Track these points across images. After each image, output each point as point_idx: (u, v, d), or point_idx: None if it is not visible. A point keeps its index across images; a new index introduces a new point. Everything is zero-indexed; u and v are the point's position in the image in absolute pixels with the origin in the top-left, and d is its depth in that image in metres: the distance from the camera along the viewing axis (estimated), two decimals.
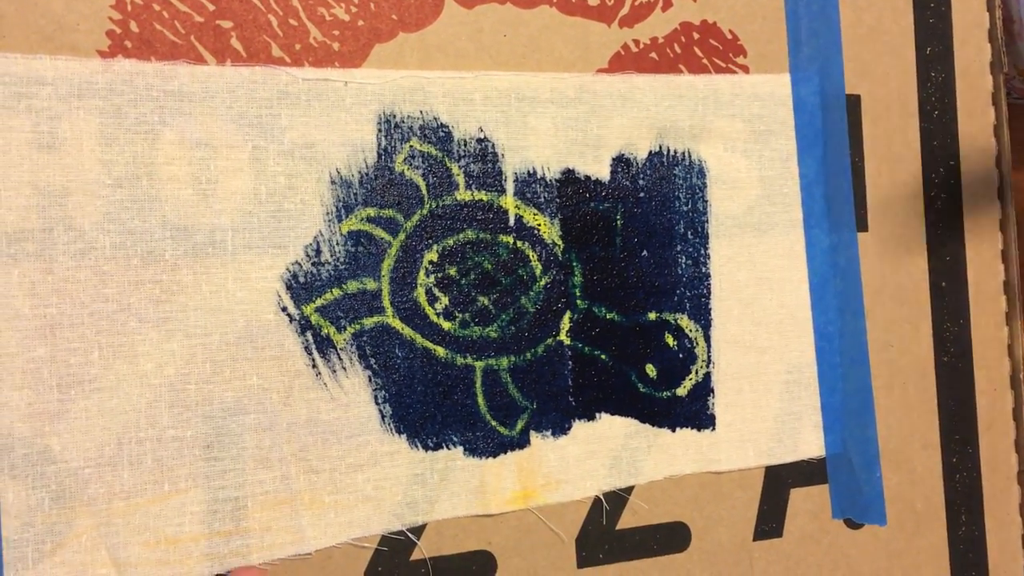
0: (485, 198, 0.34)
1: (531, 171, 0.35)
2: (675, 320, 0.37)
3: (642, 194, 0.36)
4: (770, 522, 0.38)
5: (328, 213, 0.32)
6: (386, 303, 0.33)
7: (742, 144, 0.38)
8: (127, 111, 0.30)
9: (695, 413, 0.37)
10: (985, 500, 0.42)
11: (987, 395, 0.42)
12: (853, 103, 0.40)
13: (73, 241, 0.29)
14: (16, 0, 0.29)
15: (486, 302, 0.34)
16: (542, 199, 0.35)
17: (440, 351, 0.34)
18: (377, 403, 0.33)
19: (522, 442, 0.35)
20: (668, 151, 0.37)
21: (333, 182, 0.32)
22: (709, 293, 0.37)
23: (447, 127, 0.34)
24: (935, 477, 0.41)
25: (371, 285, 0.33)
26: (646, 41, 0.37)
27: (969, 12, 0.42)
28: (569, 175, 0.35)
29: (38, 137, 0.29)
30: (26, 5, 0.29)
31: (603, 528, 0.36)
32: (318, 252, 0.32)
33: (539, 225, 0.35)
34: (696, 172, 0.37)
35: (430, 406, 0.34)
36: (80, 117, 0.30)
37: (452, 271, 0.34)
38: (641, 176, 0.36)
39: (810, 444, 0.39)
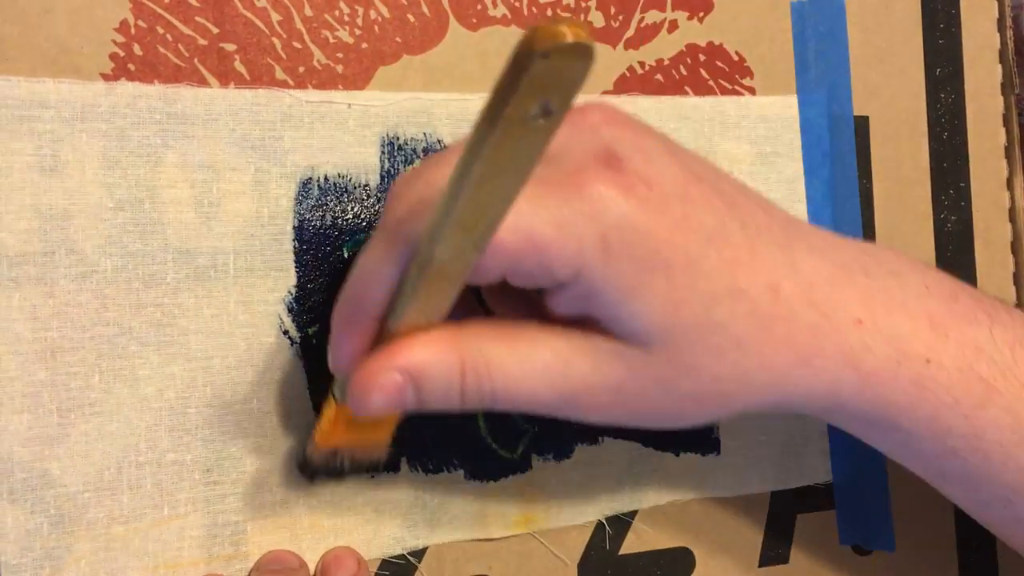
0: None
1: None
2: None
3: None
4: (776, 548, 0.38)
5: (330, 236, 0.32)
6: None
7: (748, 166, 0.38)
8: (130, 134, 0.30)
9: (699, 437, 0.37)
10: None
11: None
12: (861, 125, 0.40)
13: (75, 264, 0.29)
14: (19, 23, 0.29)
15: None
16: None
17: None
18: None
19: (523, 466, 0.35)
20: None
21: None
22: None
23: None
24: (945, 502, 0.40)
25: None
26: (651, 63, 0.37)
27: (979, 33, 0.41)
28: None
29: (40, 160, 0.29)
30: (29, 28, 0.29)
31: (606, 553, 0.36)
32: (320, 275, 0.32)
33: None
34: None
35: (430, 429, 0.33)
36: (83, 140, 0.30)
37: None
38: None
39: (817, 469, 0.39)
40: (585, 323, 0.25)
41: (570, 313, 0.25)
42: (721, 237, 0.24)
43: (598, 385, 0.25)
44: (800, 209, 0.39)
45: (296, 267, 0.32)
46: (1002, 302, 0.29)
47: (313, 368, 0.32)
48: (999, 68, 0.42)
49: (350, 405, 0.26)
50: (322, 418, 0.29)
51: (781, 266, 0.25)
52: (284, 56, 0.32)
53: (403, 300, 0.24)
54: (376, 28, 0.33)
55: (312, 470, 0.31)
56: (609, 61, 0.36)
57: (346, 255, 0.32)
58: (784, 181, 0.38)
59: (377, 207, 0.33)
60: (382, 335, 0.25)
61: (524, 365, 0.24)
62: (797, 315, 0.25)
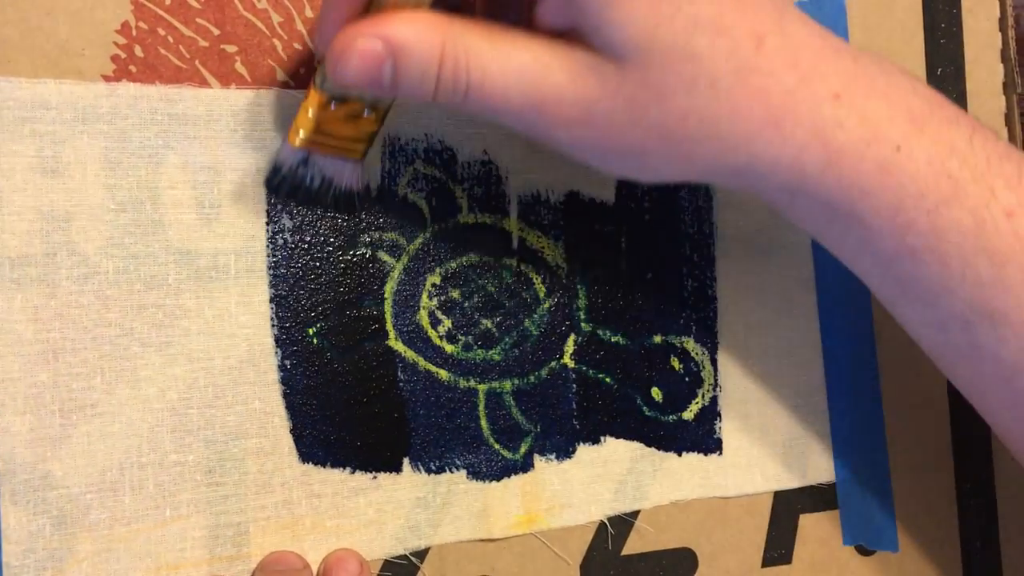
0: (488, 221, 0.34)
1: (535, 194, 0.35)
2: (681, 343, 0.37)
3: (647, 216, 0.36)
4: (779, 548, 0.38)
5: (331, 236, 0.32)
6: (388, 326, 0.33)
7: None
8: (131, 135, 0.30)
9: (701, 437, 0.37)
10: (1000, 526, 0.41)
11: None
12: None
13: (76, 266, 0.29)
14: (21, 25, 0.29)
15: (489, 325, 0.34)
16: (546, 222, 0.35)
17: (443, 374, 0.34)
18: None
19: (526, 466, 0.35)
20: None
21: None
22: (715, 316, 0.37)
23: (451, 150, 0.34)
24: (949, 502, 0.40)
25: (373, 308, 0.33)
26: None
27: (981, 32, 0.41)
28: (574, 198, 0.35)
29: (42, 162, 0.29)
30: (31, 30, 0.29)
31: (608, 554, 0.36)
32: (321, 275, 0.32)
33: (543, 248, 0.35)
34: (702, 194, 0.37)
35: (433, 429, 0.33)
36: (84, 141, 0.30)
37: (455, 294, 0.34)
38: (646, 199, 0.36)
39: (820, 469, 0.38)
40: (569, 37, 0.25)
41: (555, 24, 0.25)
42: None
43: (569, 97, 0.25)
44: None
45: (296, 267, 0.32)
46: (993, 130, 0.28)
47: (313, 368, 0.32)
48: (1000, 68, 0.42)
49: (327, 70, 0.26)
50: (299, 111, 0.28)
51: (770, 22, 0.25)
52: (285, 57, 0.32)
53: None
54: None
55: (279, 180, 0.30)
56: None
57: (348, 254, 0.33)
58: None
59: (378, 207, 0.33)
60: (368, 12, 0.25)
61: (503, 63, 0.24)
62: (776, 73, 0.25)
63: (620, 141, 0.25)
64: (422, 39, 0.24)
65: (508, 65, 0.24)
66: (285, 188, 0.31)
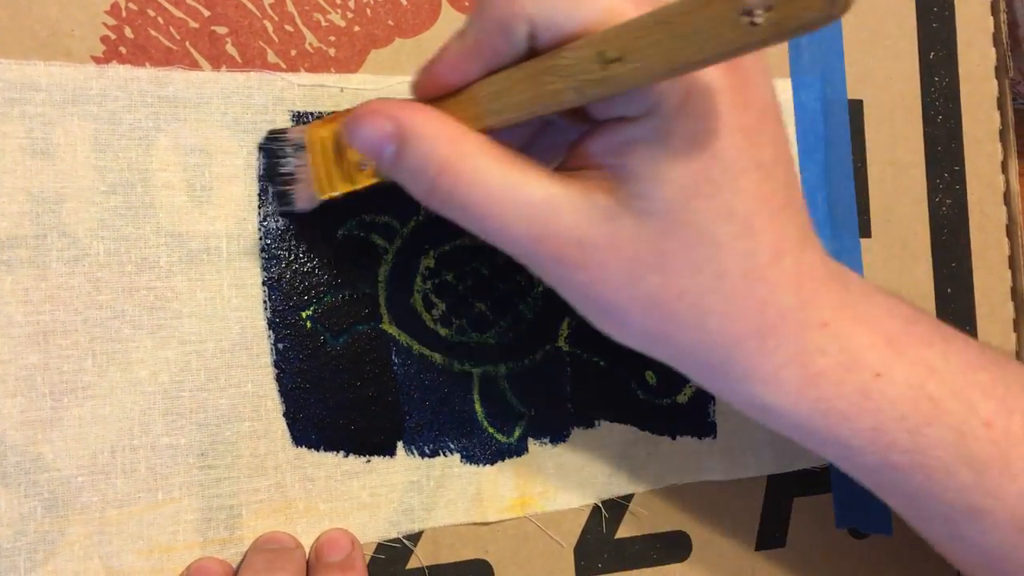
0: None
1: None
2: None
3: None
4: (772, 532, 0.38)
5: (324, 219, 0.32)
6: (382, 309, 0.33)
7: None
8: (121, 117, 0.30)
9: (695, 421, 0.37)
10: None
11: None
12: (856, 108, 0.40)
13: (67, 248, 0.29)
14: (10, 6, 0.29)
15: (483, 308, 0.34)
16: None
17: (437, 357, 0.34)
18: None
19: (520, 449, 0.35)
20: None
21: None
22: None
23: None
24: None
25: (367, 291, 0.33)
26: None
27: (973, 16, 0.41)
28: None
29: (32, 143, 0.29)
30: (20, 11, 0.29)
31: (602, 536, 0.36)
32: (314, 258, 0.32)
33: None
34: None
35: (427, 413, 0.33)
36: (74, 123, 0.30)
37: (449, 277, 0.34)
38: None
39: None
40: (595, 178, 0.24)
41: (597, 159, 0.24)
42: (769, 181, 0.24)
43: (573, 237, 0.24)
44: None
45: (289, 249, 0.32)
46: (960, 331, 0.29)
47: (306, 351, 0.32)
48: (993, 51, 0.42)
49: (344, 127, 0.26)
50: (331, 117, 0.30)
51: (792, 242, 0.25)
52: (276, 39, 0.32)
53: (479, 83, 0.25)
54: (368, 11, 0.33)
55: (271, 139, 0.32)
56: None
57: (341, 237, 0.32)
58: None
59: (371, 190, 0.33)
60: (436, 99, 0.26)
61: (507, 192, 0.24)
62: (779, 291, 0.25)
63: (607, 296, 0.25)
64: (435, 136, 0.25)
65: (513, 195, 0.24)
66: (266, 156, 0.32)
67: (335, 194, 0.29)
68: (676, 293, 0.24)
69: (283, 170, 0.31)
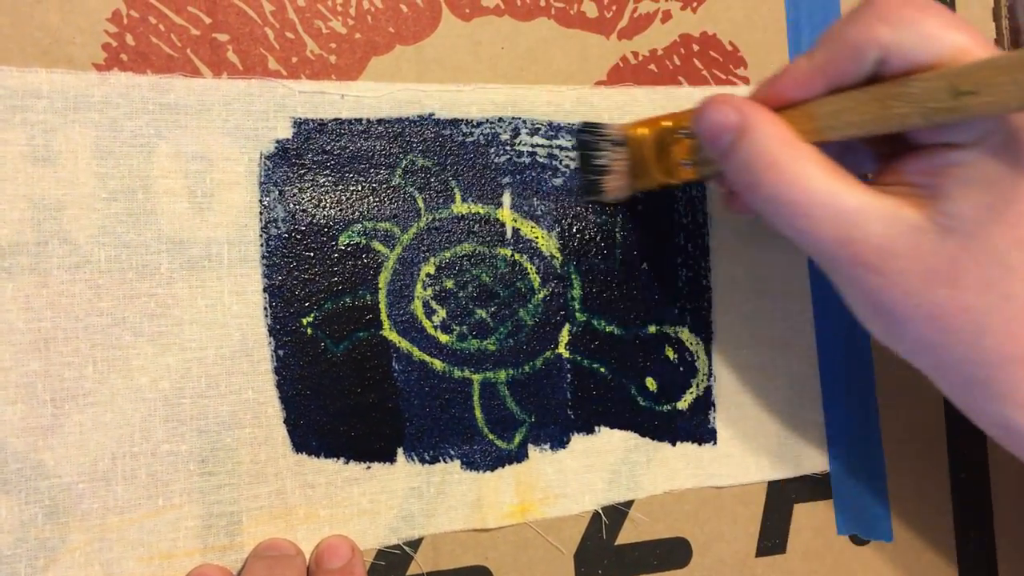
0: (482, 211, 0.34)
1: (528, 183, 0.35)
2: (675, 333, 0.37)
3: (641, 207, 0.36)
4: (773, 538, 0.38)
5: (325, 226, 0.32)
6: (383, 316, 0.33)
7: None
8: (123, 124, 0.30)
9: (696, 427, 0.37)
10: (995, 516, 0.41)
11: None
12: None
13: (68, 255, 0.29)
14: (12, 13, 0.29)
15: (484, 315, 0.34)
16: (539, 211, 0.35)
17: (437, 364, 0.34)
18: None
19: (520, 456, 0.35)
20: None
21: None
22: (710, 306, 0.37)
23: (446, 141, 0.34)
24: (943, 492, 0.40)
25: (368, 298, 0.33)
26: (645, 53, 0.36)
27: (975, 22, 0.41)
28: (568, 188, 0.35)
29: (33, 150, 0.29)
30: (22, 18, 0.29)
31: (602, 543, 0.36)
32: (315, 265, 0.32)
33: (537, 238, 0.35)
34: (696, 184, 0.37)
35: (427, 419, 0.33)
36: (76, 130, 0.30)
37: (450, 284, 0.34)
38: None
39: (814, 459, 0.38)
40: (905, 194, 0.27)
41: (907, 179, 0.27)
42: None
43: (875, 243, 0.26)
44: None
45: (290, 256, 0.32)
46: None
47: (307, 358, 0.32)
48: None
49: (697, 113, 0.29)
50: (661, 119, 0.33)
51: None
52: (277, 46, 0.32)
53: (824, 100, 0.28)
54: (369, 18, 0.33)
55: (588, 130, 0.35)
56: (602, 51, 0.36)
57: (343, 244, 0.32)
58: None
59: (372, 198, 0.33)
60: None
61: (826, 197, 0.27)
62: None
63: (895, 301, 0.27)
64: (775, 134, 0.28)
65: (833, 201, 0.27)
66: (584, 140, 0.35)
67: (652, 186, 0.34)
68: (961, 307, 0.26)
69: (598, 162, 0.34)
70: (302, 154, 0.32)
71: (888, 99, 0.26)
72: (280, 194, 0.32)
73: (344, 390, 0.32)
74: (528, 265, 0.35)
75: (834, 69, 0.27)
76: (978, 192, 0.26)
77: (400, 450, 0.33)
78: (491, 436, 0.34)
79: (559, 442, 0.35)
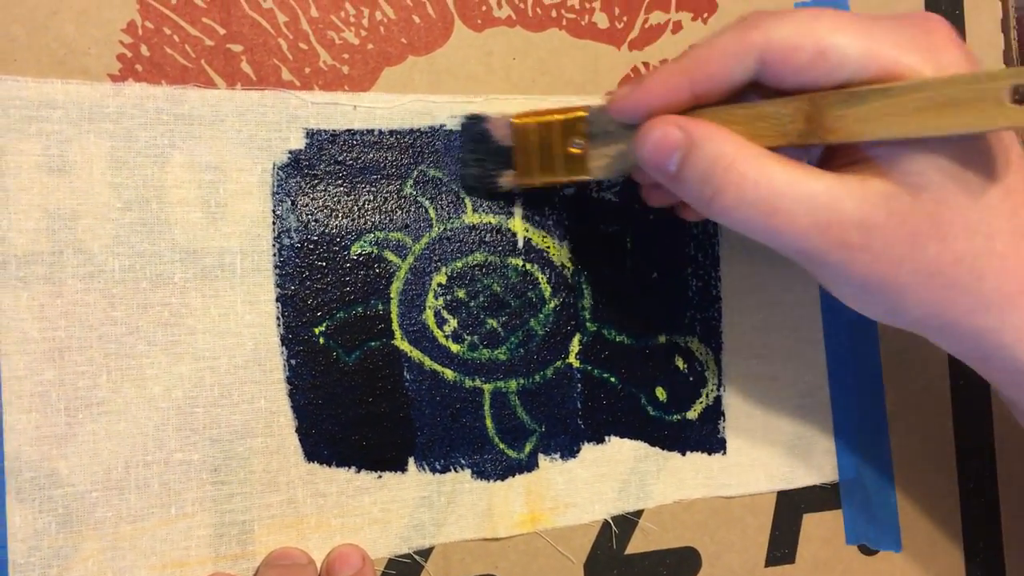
0: (493, 221, 0.34)
1: (540, 194, 0.35)
2: (685, 343, 0.37)
3: (652, 216, 0.36)
4: (782, 548, 0.38)
5: (337, 236, 0.32)
6: (395, 326, 0.33)
7: None
8: (137, 134, 0.30)
9: (705, 437, 0.37)
10: (1003, 526, 0.41)
11: (1004, 419, 0.41)
12: None
13: (82, 264, 0.30)
14: (28, 24, 0.29)
15: (495, 324, 0.34)
16: (551, 222, 0.35)
17: (448, 374, 0.34)
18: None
19: (530, 465, 0.35)
20: None
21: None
22: (720, 316, 0.37)
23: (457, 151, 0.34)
24: (952, 502, 0.40)
25: (379, 307, 0.33)
26: (656, 64, 0.37)
27: (983, 33, 0.41)
28: (578, 198, 0.35)
29: (48, 160, 0.29)
30: (38, 29, 0.29)
31: (612, 552, 0.36)
32: (327, 274, 0.32)
33: (548, 248, 0.35)
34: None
35: (438, 429, 0.33)
36: (91, 141, 0.30)
37: (461, 294, 0.34)
38: None
39: (823, 469, 0.38)
40: (866, 168, 0.27)
41: (868, 151, 0.27)
42: None
43: (855, 220, 0.26)
44: None
45: (303, 266, 0.32)
46: None
47: (319, 367, 0.32)
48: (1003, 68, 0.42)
49: (636, 141, 0.28)
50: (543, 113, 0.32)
51: None
52: (290, 57, 0.32)
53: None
54: (382, 29, 0.33)
55: (472, 122, 0.34)
56: (614, 62, 0.36)
57: (355, 254, 0.33)
58: None
59: (384, 207, 0.33)
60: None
61: (792, 187, 0.26)
62: None
63: (889, 273, 0.27)
64: (722, 142, 0.27)
65: (800, 189, 0.26)
66: (469, 132, 0.34)
67: (535, 183, 0.33)
68: (954, 258, 0.26)
69: (477, 154, 0.34)
70: (314, 164, 0.32)
71: (755, 120, 0.27)
72: (293, 204, 0.32)
73: (356, 399, 0.32)
74: (539, 275, 0.35)
75: (702, 74, 0.27)
76: (939, 143, 0.25)
77: (411, 459, 0.33)
78: (501, 445, 0.34)
79: (569, 451, 0.35)
